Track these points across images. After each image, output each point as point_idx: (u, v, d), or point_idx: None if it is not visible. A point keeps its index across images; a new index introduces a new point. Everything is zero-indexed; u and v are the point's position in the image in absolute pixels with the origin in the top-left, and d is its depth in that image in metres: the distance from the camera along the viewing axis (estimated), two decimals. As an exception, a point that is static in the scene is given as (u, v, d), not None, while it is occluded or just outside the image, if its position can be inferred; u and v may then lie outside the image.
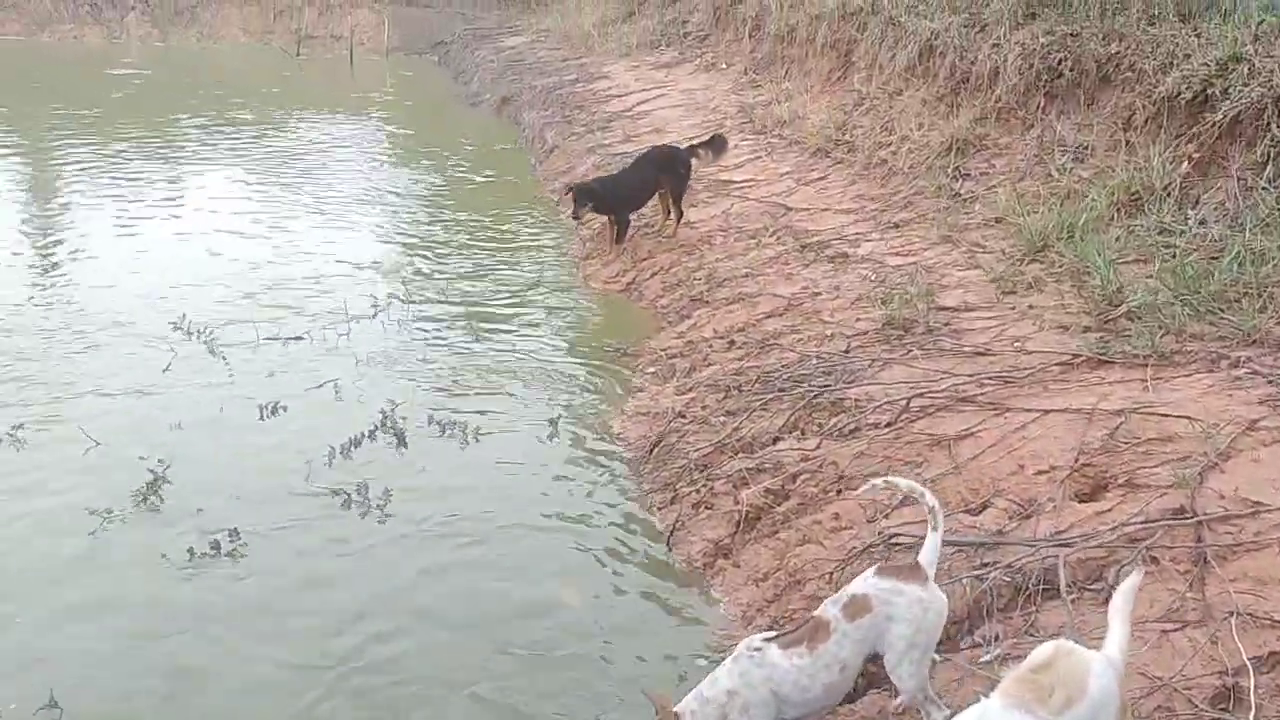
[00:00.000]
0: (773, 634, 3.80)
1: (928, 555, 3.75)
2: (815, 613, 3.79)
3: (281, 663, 4.70)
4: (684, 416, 6.57)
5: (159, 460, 6.07)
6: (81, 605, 5.06)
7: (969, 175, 9.05)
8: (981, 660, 4.00)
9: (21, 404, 6.90)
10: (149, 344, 7.92)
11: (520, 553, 5.57)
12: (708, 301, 8.29)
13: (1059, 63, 8.76)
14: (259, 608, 5.09)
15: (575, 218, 10.00)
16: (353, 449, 6.45)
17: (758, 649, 3.69)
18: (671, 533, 5.61)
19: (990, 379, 5.82)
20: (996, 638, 4.10)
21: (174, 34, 26.36)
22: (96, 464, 6.27)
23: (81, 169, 13.69)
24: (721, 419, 6.34)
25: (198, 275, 9.47)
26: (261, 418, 6.83)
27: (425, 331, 8.42)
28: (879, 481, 4.10)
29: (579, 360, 7.94)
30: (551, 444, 6.65)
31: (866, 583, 3.74)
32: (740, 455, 5.93)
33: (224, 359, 7.71)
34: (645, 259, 9.68)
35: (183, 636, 4.86)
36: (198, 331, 8.07)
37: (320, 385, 7.32)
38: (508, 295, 9.32)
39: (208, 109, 17.85)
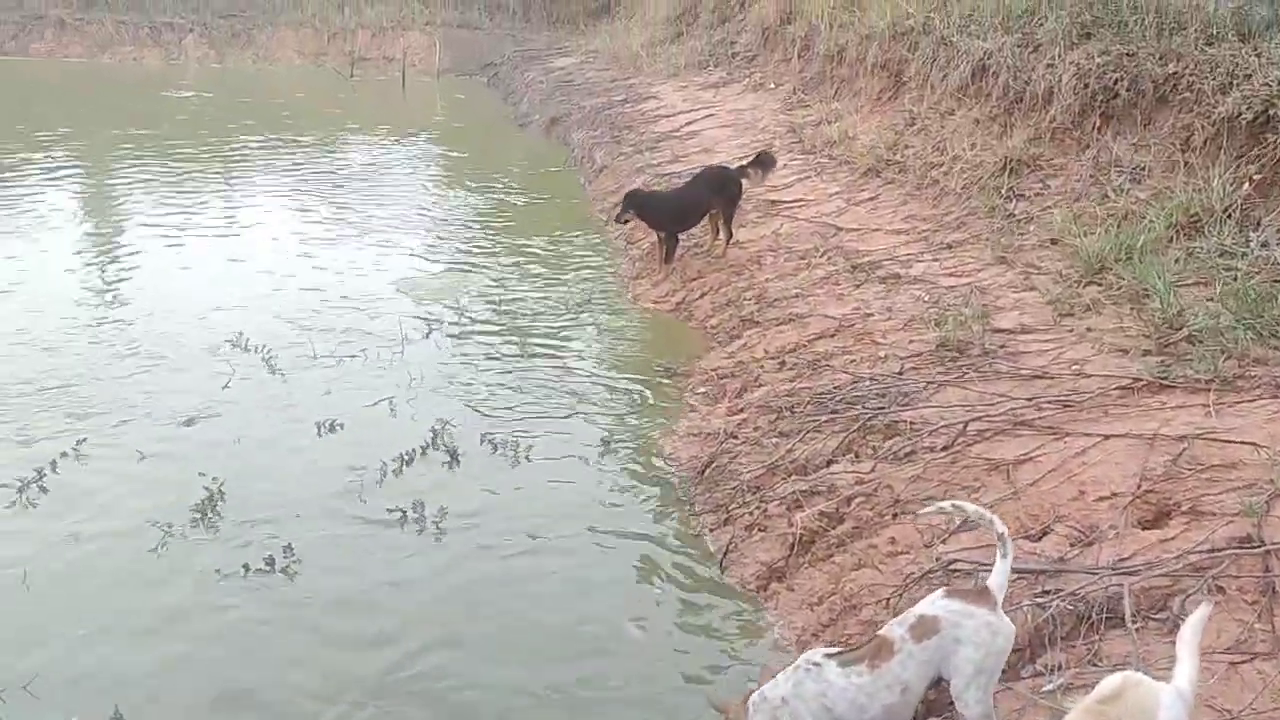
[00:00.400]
0: (835, 650, 3.80)
1: (997, 580, 3.73)
2: (879, 632, 3.77)
3: (334, 681, 4.71)
4: (735, 437, 6.54)
5: (214, 477, 6.17)
6: (140, 622, 5.12)
7: (1023, 196, 8.95)
8: (1044, 690, 3.94)
9: (81, 421, 7.00)
10: (207, 362, 8.04)
11: (572, 573, 5.57)
12: (758, 322, 8.27)
13: (1115, 83, 8.65)
14: (312, 625, 5.13)
15: (618, 220, 10.26)
16: (405, 467, 6.51)
17: (816, 664, 3.72)
18: (724, 555, 5.58)
19: (1049, 403, 5.74)
20: (1059, 667, 4.03)
21: (230, 56, 26.93)
22: (155, 480, 6.35)
23: (139, 188, 13.97)
24: (774, 440, 6.31)
25: (253, 294, 9.62)
26: (319, 435, 6.91)
27: (477, 350, 8.48)
28: (946, 504, 4.10)
29: (629, 380, 7.95)
30: (603, 464, 6.66)
31: (935, 604, 3.73)
32: (793, 477, 5.89)
33: (281, 377, 7.81)
34: (695, 279, 9.69)
35: (238, 652, 4.91)
36: (255, 349, 8.19)
37: (375, 403, 7.39)
38: (558, 315, 9.36)
39: (263, 130, 18.17)
